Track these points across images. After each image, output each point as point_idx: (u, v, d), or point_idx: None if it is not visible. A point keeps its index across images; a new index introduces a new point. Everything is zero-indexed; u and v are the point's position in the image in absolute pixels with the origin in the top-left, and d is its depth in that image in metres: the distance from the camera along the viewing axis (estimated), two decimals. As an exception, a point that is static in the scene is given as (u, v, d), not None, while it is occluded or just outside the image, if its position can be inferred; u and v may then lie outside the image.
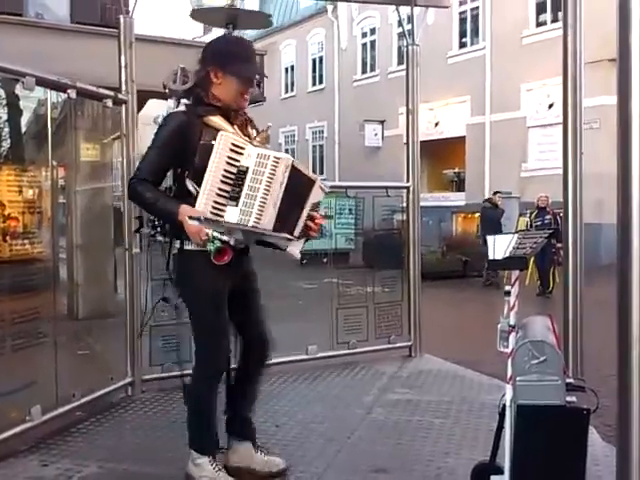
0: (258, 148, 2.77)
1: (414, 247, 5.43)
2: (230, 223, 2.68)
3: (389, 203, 5.47)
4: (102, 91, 4.14)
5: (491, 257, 2.61)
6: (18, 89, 4.53)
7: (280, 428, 3.77)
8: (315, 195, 2.91)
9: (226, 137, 2.68)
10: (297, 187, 2.80)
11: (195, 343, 3.00)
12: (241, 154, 2.68)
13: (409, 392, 4.44)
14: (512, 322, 2.54)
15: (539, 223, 11.49)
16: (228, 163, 2.66)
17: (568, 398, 2.39)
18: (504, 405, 2.55)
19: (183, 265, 2.89)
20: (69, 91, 3.81)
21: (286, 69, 28.06)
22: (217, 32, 30.67)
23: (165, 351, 4.51)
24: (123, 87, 4.30)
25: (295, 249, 2.92)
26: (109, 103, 4.16)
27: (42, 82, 3.65)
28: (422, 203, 5.55)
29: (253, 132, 2.95)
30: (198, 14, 3.48)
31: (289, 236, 2.83)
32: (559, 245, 10.74)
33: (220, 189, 2.65)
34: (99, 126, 6.90)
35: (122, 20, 4.29)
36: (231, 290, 2.92)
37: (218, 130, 2.71)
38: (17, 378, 3.90)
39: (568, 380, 2.44)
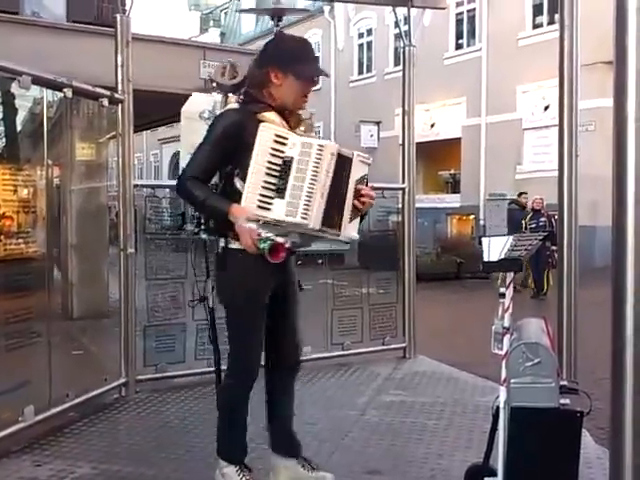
0: (302, 137, 2.69)
1: (409, 248, 5.43)
2: (281, 220, 2.58)
3: (384, 204, 5.47)
4: (98, 90, 4.13)
5: (486, 259, 2.61)
6: (14, 88, 4.51)
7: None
8: (357, 171, 2.76)
9: (268, 128, 2.61)
10: (342, 172, 2.69)
11: (231, 347, 2.83)
12: (285, 144, 2.60)
13: (403, 393, 4.44)
14: (506, 324, 2.55)
15: (534, 225, 11.47)
16: (272, 155, 2.58)
17: (562, 401, 2.39)
18: (498, 407, 2.55)
19: (226, 265, 2.76)
20: (65, 90, 3.80)
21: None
22: (213, 33, 30.41)
23: (159, 351, 4.51)
24: (119, 86, 4.29)
25: (351, 232, 2.82)
26: (105, 102, 4.15)
27: (38, 81, 3.64)
28: (417, 204, 5.56)
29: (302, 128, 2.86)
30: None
31: (338, 233, 2.73)
32: (554, 248, 10.79)
33: (266, 182, 2.57)
34: (95, 125, 6.90)
35: (119, 19, 4.28)
36: (273, 292, 2.81)
37: None
38: (10, 378, 3.88)
39: (562, 382, 2.45)
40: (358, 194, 2.77)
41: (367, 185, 2.82)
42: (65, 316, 7.75)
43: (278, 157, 2.58)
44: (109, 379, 4.25)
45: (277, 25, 3.30)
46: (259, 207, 2.57)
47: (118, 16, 4.29)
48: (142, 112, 5.54)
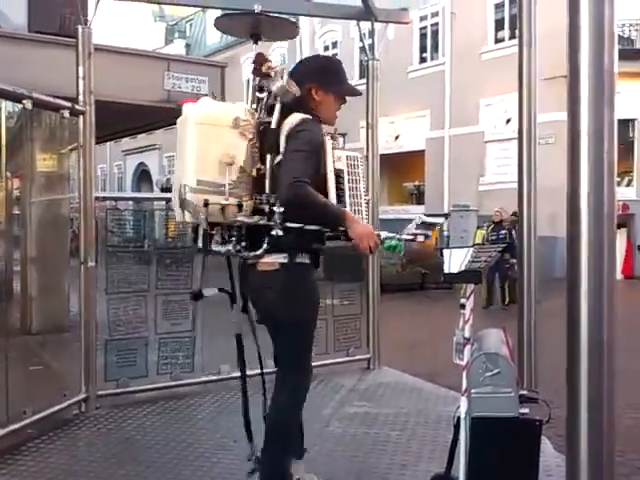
0: (343, 150, 2.89)
1: (373, 260, 5.45)
2: None
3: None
4: (59, 102, 4.07)
5: (447, 270, 2.64)
6: (-29, 98, 4.42)
7: (239, 443, 3.72)
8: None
9: (328, 141, 2.78)
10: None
11: (293, 364, 2.85)
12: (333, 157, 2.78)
13: (367, 405, 4.44)
14: (467, 335, 2.57)
15: (494, 237, 11.43)
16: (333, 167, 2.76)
17: (521, 410, 2.42)
18: (459, 417, 2.57)
19: (291, 281, 2.68)
20: (24, 101, 3.74)
21: (247, 81, 28.01)
22: (178, 44, 30.17)
23: (120, 366, 4.44)
24: (81, 98, 4.23)
25: None
26: (66, 114, 4.09)
27: (-4, 92, 3.58)
28: (382, 216, 5.59)
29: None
30: (221, 24, 3.45)
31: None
32: (513, 260, 10.40)
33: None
34: (56, 136, 6.79)
35: (80, 30, 4.24)
36: None
37: None
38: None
39: (521, 392, 2.48)
40: None
41: None
42: (24, 331, 7.59)
43: (335, 169, 2.76)
44: (69, 395, 4.17)
45: (256, 43, 3.15)
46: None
47: (80, 27, 4.24)
48: (105, 123, 5.49)
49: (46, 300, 7.68)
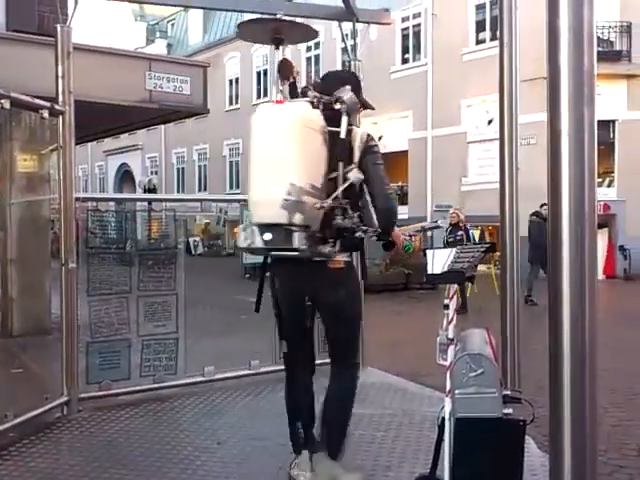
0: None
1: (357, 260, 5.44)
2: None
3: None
4: (38, 102, 4.03)
5: (430, 271, 2.64)
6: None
7: (222, 445, 3.72)
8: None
9: None
10: None
11: (354, 357, 3.26)
12: None
13: (352, 405, 4.43)
14: (451, 335, 2.58)
15: (451, 239, 10.84)
16: None
17: (505, 410, 2.43)
18: (443, 418, 2.58)
19: (355, 278, 3.09)
20: (2, 101, 3.69)
21: (230, 81, 27.99)
22: (160, 44, 29.99)
23: (103, 368, 4.41)
24: (60, 98, 4.19)
25: None
26: (45, 114, 4.05)
27: (-27, 91, 3.53)
28: (365, 217, 5.59)
29: None
30: (244, 31, 3.42)
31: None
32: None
33: None
34: (37, 137, 6.73)
35: (59, 29, 4.19)
36: None
37: None
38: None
39: (505, 392, 2.48)
40: None
41: None
42: (4, 333, 7.51)
43: None
44: (50, 398, 4.12)
45: (278, 48, 3.27)
46: None
47: (59, 26, 4.19)
48: (86, 123, 5.44)
49: (27, 302, 7.60)
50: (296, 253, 2.77)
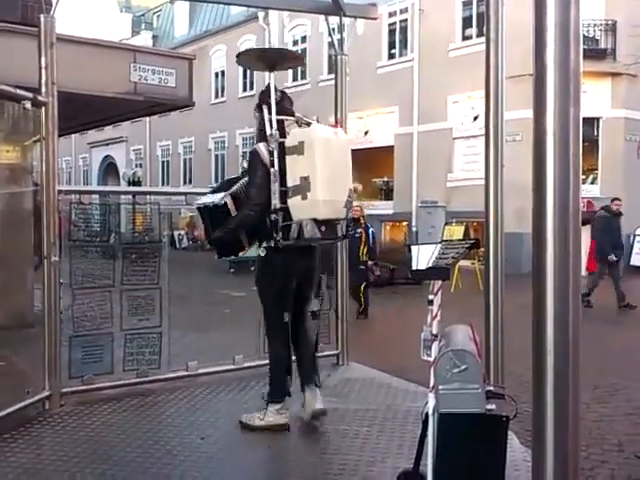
0: None
1: (342, 255, 5.45)
2: None
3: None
4: (20, 92, 3.97)
5: (415, 267, 2.64)
6: None
7: (206, 440, 3.71)
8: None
9: None
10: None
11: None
12: None
13: (336, 401, 4.44)
14: (435, 331, 2.58)
15: (350, 238, 10.09)
16: None
17: (488, 406, 2.44)
18: (427, 413, 2.58)
19: None
20: (-17, 91, 3.64)
21: (216, 74, 27.83)
22: (145, 36, 29.66)
23: (85, 362, 4.37)
24: (43, 89, 4.14)
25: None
26: (28, 105, 4.00)
27: (-46, 81, 3.48)
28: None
29: None
30: (243, 59, 4.13)
31: None
32: (371, 262, 9.73)
33: None
34: (19, 128, 6.65)
35: (42, 19, 4.14)
36: None
37: None
38: None
39: (488, 388, 2.49)
40: None
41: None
42: (-14, 327, 7.43)
43: None
44: (32, 392, 4.08)
45: (271, 72, 4.01)
46: None
47: (42, 16, 4.14)
48: (69, 115, 5.39)
49: (9, 295, 7.52)
50: (334, 240, 4.08)
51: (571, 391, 1.88)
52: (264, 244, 3.78)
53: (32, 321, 6.65)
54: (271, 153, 3.71)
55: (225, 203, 3.72)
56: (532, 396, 1.96)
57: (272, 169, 3.67)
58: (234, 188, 3.80)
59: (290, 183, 3.63)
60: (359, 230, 9.71)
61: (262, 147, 3.77)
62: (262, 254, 3.79)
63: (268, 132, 3.75)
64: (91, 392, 4.39)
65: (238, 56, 4.02)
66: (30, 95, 4.00)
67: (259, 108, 3.88)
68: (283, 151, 3.67)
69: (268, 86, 3.86)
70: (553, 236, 1.86)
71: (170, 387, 4.66)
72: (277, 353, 3.93)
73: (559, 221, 1.85)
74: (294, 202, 3.63)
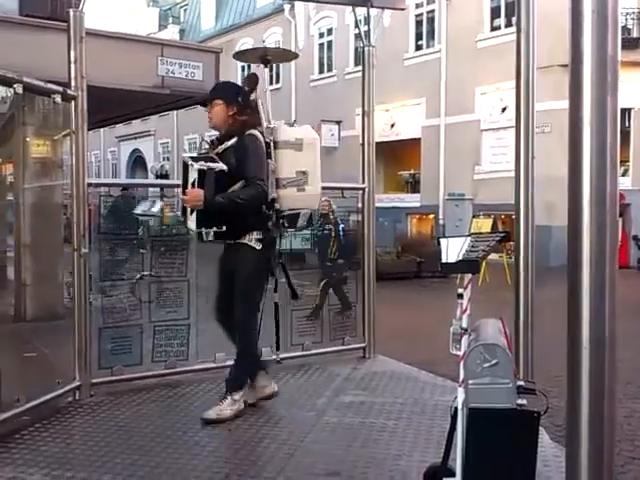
0: (184, 155, 3.86)
1: (369, 248, 5.43)
2: None
3: (344, 204, 5.47)
4: (50, 86, 4.01)
5: (444, 260, 2.61)
6: (-38, 82, 4.36)
7: (233, 431, 3.72)
8: (192, 175, 3.63)
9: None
10: (184, 176, 3.75)
11: None
12: None
13: (363, 394, 4.43)
14: (464, 325, 2.55)
15: (319, 233, 9.33)
16: None
17: (519, 401, 2.41)
18: (456, 408, 2.56)
19: None
20: (15, 86, 3.68)
21: (242, 67, 27.87)
22: (172, 30, 29.89)
23: (115, 354, 4.42)
24: (72, 83, 4.17)
25: (191, 223, 3.76)
26: (58, 99, 4.04)
27: (-14, 76, 3.52)
28: (377, 204, 5.56)
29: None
30: (239, 56, 4.51)
31: (186, 222, 3.92)
32: (342, 261, 9.02)
33: None
34: (50, 122, 6.73)
35: (72, 14, 4.17)
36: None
37: None
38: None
39: (519, 383, 2.46)
40: None
41: (199, 186, 3.62)
42: (18, 318, 7.55)
43: None
44: (62, 382, 4.14)
45: (266, 66, 4.14)
46: None
47: (71, 11, 4.17)
48: (98, 109, 5.43)
49: (40, 287, 7.64)
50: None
51: (607, 388, 1.85)
52: (255, 235, 3.78)
53: (62, 313, 6.75)
54: (268, 145, 3.82)
55: (225, 172, 3.70)
56: (567, 392, 1.93)
57: (270, 160, 3.81)
58: (220, 165, 3.70)
59: (284, 175, 3.82)
60: (328, 226, 8.51)
61: (260, 135, 3.83)
62: (258, 247, 3.79)
63: (265, 125, 3.88)
64: (120, 383, 4.44)
65: (235, 54, 4.41)
66: (60, 89, 4.04)
67: (245, 97, 3.94)
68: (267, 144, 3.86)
69: (257, 78, 4.00)
70: (589, 229, 1.81)
71: (198, 378, 4.69)
72: (253, 344, 3.99)
73: (596, 213, 1.81)
74: (288, 193, 3.83)
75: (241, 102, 3.91)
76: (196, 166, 3.53)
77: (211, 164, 3.64)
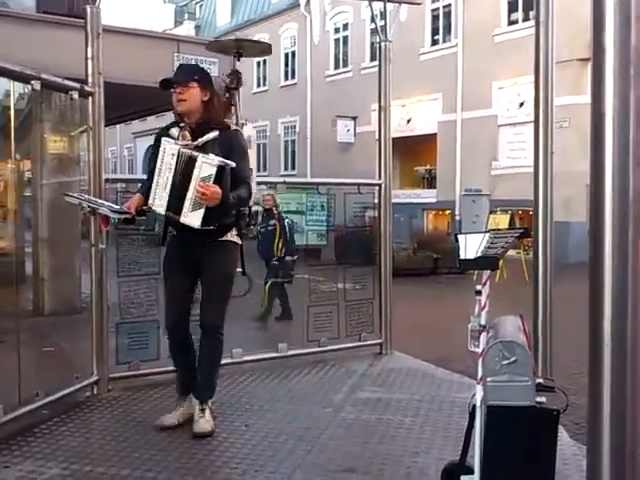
0: (172, 145, 3.49)
1: (385, 244, 5.41)
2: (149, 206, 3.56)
3: (361, 200, 5.45)
4: (67, 83, 4.03)
5: (462, 256, 2.59)
6: (-19, 80, 4.40)
7: (249, 428, 3.73)
8: (202, 171, 3.37)
9: (162, 141, 3.54)
10: (186, 170, 3.40)
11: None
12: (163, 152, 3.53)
13: (379, 390, 4.42)
14: (483, 322, 2.53)
15: (263, 229, 8.44)
16: (160, 160, 3.51)
17: (538, 399, 2.38)
18: (474, 405, 2.54)
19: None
20: (33, 82, 3.70)
21: (258, 63, 27.88)
22: (188, 26, 30.09)
23: (132, 349, 4.44)
24: (90, 79, 4.19)
25: (193, 220, 3.40)
26: (75, 95, 4.05)
27: (4, 72, 3.54)
28: (393, 200, 5.53)
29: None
30: (212, 45, 4.62)
31: (177, 218, 3.45)
32: (290, 258, 8.22)
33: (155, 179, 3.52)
34: (67, 118, 6.78)
35: (89, 10, 4.18)
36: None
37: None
38: (-22, 377, 3.80)
39: (538, 380, 2.43)
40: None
41: (214, 182, 3.35)
42: (36, 312, 7.63)
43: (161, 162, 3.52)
44: (81, 377, 4.16)
45: (239, 59, 4.23)
46: (153, 198, 3.52)
47: (88, 7, 4.18)
48: (115, 105, 5.45)
49: (58, 282, 7.71)
50: None
51: (629, 386, 1.82)
52: (234, 231, 3.64)
53: (80, 307, 6.81)
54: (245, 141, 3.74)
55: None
56: (588, 391, 1.91)
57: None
58: (232, 162, 3.49)
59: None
60: (272, 222, 8.45)
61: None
62: (239, 242, 3.69)
63: (241, 120, 3.94)
64: (138, 378, 4.46)
65: (208, 44, 4.49)
66: (77, 85, 4.06)
67: (226, 89, 3.96)
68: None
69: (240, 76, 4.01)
70: (612, 224, 1.78)
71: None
72: (222, 349, 3.78)
73: (618, 209, 1.77)
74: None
75: (214, 89, 3.68)
76: (216, 161, 3.37)
77: (225, 160, 3.46)
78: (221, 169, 3.36)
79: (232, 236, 3.63)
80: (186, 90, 3.54)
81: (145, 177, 3.76)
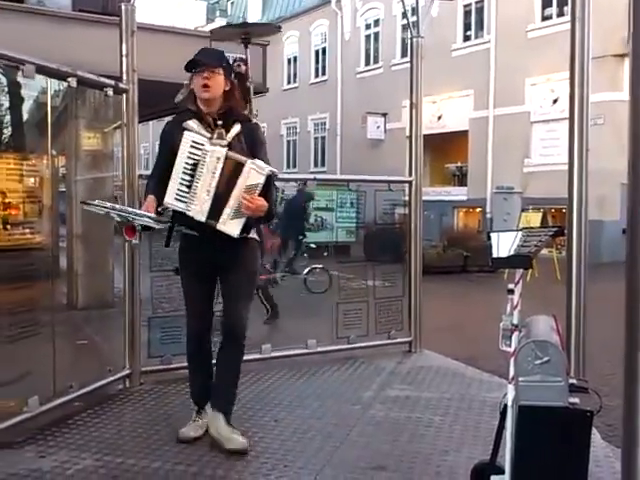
0: (214, 146, 3.18)
1: (415, 241, 5.38)
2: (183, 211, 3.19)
3: (391, 197, 5.43)
4: (103, 80, 4.09)
5: (495, 255, 2.57)
6: (19, 77, 4.49)
7: (279, 423, 3.75)
8: (249, 178, 3.14)
9: (187, 135, 3.19)
10: (231, 176, 3.15)
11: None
12: (200, 149, 3.17)
13: (408, 388, 4.41)
14: (515, 321, 2.51)
15: None
16: (188, 157, 3.17)
17: (571, 399, 2.35)
18: (505, 405, 2.52)
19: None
20: (69, 79, 3.77)
21: (289, 60, 27.94)
22: (219, 23, 30.39)
23: (164, 343, 4.49)
24: (124, 76, 4.25)
25: (231, 228, 3.19)
26: (110, 92, 4.12)
27: (42, 70, 3.61)
28: (424, 197, 5.50)
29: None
30: (216, 33, 4.48)
31: (214, 224, 3.18)
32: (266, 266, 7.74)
33: (182, 179, 3.18)
34: (101, 115, 6.87)
35: (123, 8, 4.24)
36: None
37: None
38: (15, 369, 3.88)
39: (571, 381, 2.40)
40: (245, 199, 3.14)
41: (260, 193, 3.14)
42: (70, 306, 7.77)
43: (192, 159, 3.17)
44: (113, 370, 4.23)
45: (247, 47, 4.24)
46: (175, 198, 3.18)
47: (123, 5, 4.24)
48: (148, 102, 5.50)
49: (91, 276, 7.83)
50: None
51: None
52: (254, 229, 3.41)
53: (112, 301, 6.91)
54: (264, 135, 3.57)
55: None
56: (623, 393, 1.88)
57: None
58: (270, 168, 3.25)
59: None
60: None
61: None
62: (259, 239, 3.50)
63: (252, 111, 3.89)
64: (169, 372, 4.51)
65: (211, 32, 4.22)
66: (112, 82, 4.12)
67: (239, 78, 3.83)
68: None
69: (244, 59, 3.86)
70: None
71: (244, 369, 4.66)
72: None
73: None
74: None
75: (234, 80, 3.48)
76: (267, 170, 3.13)
77: (274, 169, 3.24)
78: (269, 178, 3.16)
79: (254, 233, 3.41)
80: (212, 76, 3.26)
81: (149, 173, 3.64)
